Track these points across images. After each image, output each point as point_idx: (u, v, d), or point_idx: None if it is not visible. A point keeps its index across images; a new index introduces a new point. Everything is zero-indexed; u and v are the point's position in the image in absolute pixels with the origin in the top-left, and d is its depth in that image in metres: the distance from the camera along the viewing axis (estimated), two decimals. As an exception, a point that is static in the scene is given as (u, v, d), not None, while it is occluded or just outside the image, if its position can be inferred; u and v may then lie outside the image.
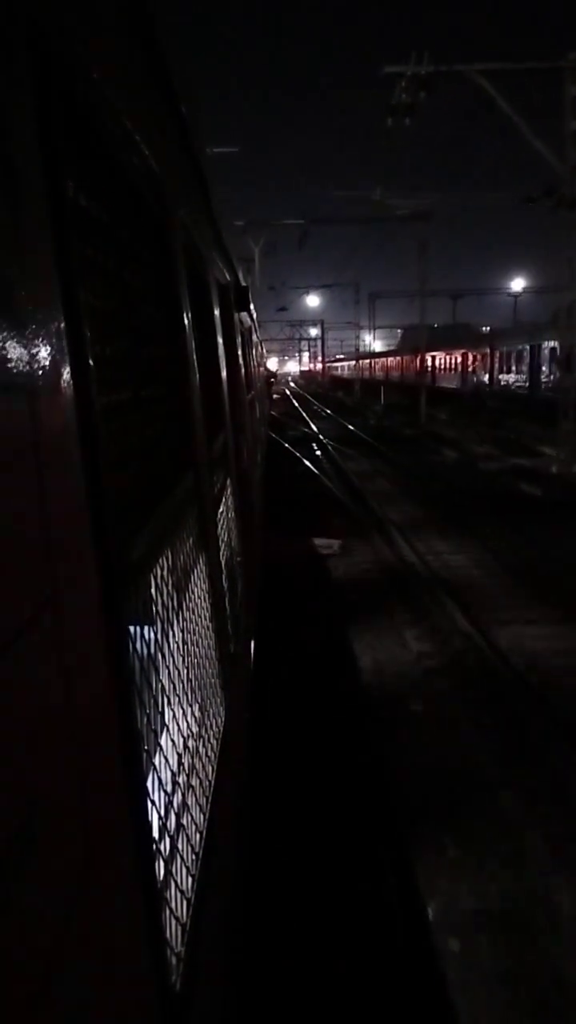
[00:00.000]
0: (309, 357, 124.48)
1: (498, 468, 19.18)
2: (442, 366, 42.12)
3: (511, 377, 31.94)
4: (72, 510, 0.83)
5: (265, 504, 11.84)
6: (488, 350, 34.98)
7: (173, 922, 1.26)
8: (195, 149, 2.47)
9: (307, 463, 20.53)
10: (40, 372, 0.76)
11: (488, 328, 55.83)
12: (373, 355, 68.26)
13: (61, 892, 0.71)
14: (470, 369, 37.64)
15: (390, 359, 57.42)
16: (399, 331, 77.65)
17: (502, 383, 33.09)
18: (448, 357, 41.23)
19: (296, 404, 49.99)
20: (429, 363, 35.80)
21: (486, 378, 35.28)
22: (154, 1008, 1.03)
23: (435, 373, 42.26)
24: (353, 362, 71.87)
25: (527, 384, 29.86)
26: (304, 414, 38.93)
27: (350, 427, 31.05)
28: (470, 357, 37.82)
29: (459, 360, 39.46)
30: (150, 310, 1.74)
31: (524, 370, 30.39)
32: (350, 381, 67.40)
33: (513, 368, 31.75)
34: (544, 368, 28.19)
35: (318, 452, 23.66)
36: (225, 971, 1.85)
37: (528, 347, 30.08)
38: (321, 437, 27.11)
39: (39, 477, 0.74)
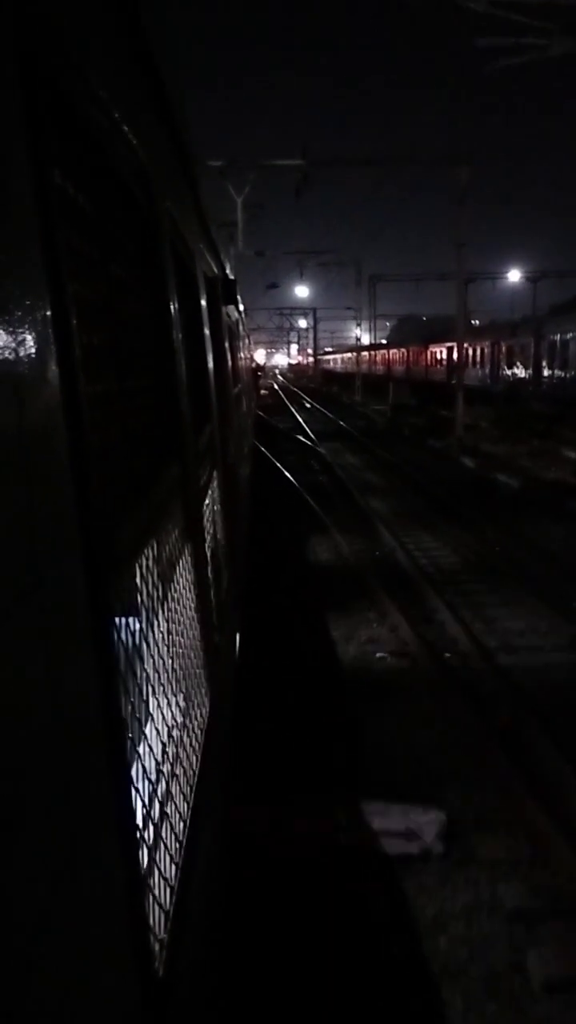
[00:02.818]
0: (298, 349, 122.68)
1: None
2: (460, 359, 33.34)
3: (568, 374, 24.48)
4: (58, 499, 0.84)
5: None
6: (532, 339, 27.32)
7: (156, 909, 1.27)
8: (182, 141, 2.46)
9: (312, 503, 14.05)
10: (26, 362, 0.77)
11: (477, 322, 53.87)
12: (373, 347, 59.39)
13: (43, 879, 0.72)
14: (502, 363, 30.44)
15: (392, 351, 49.77)
16: (387, 323, 76.67)
17: (555, 379, 25.68)
18: (474, 348, 32.96)
19: (285, 400, 46.20)
20: (447, 355, 28.29)
21: (521, 373, 28.37)
22: (136, 993, 1.04)
23: (450, 368, 33.19)
24: (346, 355, 67.10)
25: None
26: (299, 418, 32.06)
27: (358, 436, 24.80)
28: (503, 348, 30.34)
29: (486, 352, 32.01)
30: (137, 302, 1.75)
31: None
32: (347, 376, 60.11)
33: (569, 362, 24.30)
34: None
35: (322, 478, 17.59)
36: (209, 957, 1.87)
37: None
38: (325, 455, 20.79)
39: (25, 466, 0.75)
